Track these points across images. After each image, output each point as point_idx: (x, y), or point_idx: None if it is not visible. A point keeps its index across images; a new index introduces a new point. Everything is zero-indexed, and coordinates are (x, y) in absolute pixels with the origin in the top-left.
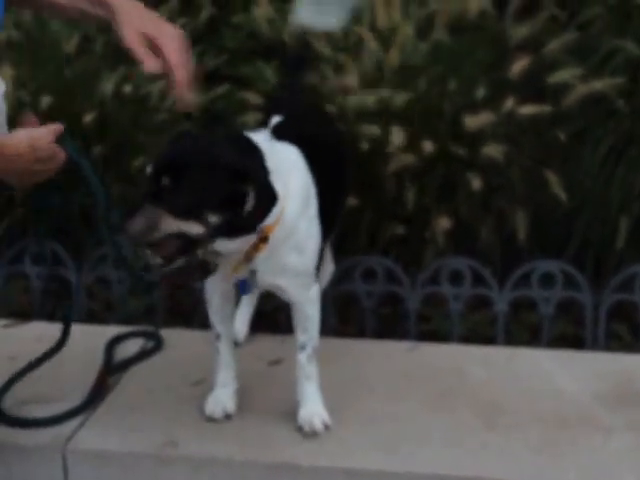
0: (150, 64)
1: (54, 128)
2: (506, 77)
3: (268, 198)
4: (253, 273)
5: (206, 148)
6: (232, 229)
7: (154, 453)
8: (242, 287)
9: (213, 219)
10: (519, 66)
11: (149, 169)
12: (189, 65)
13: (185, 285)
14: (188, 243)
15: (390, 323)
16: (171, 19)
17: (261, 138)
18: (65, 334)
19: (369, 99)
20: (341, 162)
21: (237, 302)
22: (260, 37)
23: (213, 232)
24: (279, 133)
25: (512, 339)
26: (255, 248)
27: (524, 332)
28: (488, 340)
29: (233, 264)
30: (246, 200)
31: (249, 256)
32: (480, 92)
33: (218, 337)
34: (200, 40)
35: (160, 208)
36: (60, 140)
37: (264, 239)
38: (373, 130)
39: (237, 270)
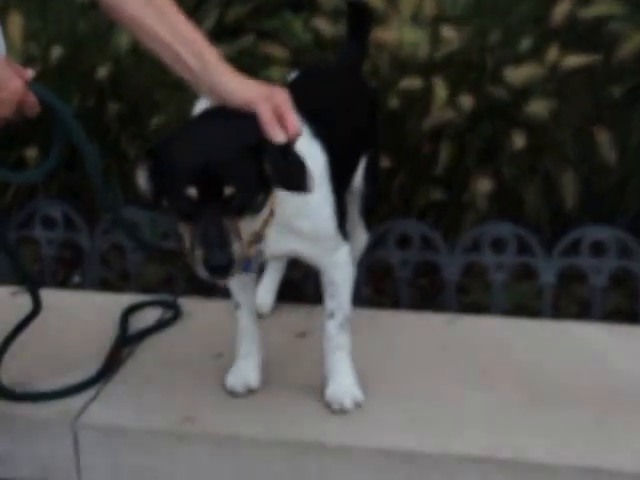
0: (280, 137)
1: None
2: (551, 27)
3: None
4: (260, 253)
5: (226, 134)
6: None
7: (171, 429)
8: (245, 265)
9: (261, 199)
10: (561, 10)
11: (190, 189)
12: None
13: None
14: None
15: (427, 295)
16: None
17: None
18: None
19: (408, 50)
20: (362, 114)
21: (262, 271)
22: None
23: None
24: (289, 90)
25: (560, 313)
26: (265, 224)
27: (573, 306)
28: (533, 314)
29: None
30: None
31: (260, 234)
32: (524, 44)
33: (238, 306)
34: None
35: (236, 217)
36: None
37: (271, 213)
38: (415, 82)
39: (250, 251)
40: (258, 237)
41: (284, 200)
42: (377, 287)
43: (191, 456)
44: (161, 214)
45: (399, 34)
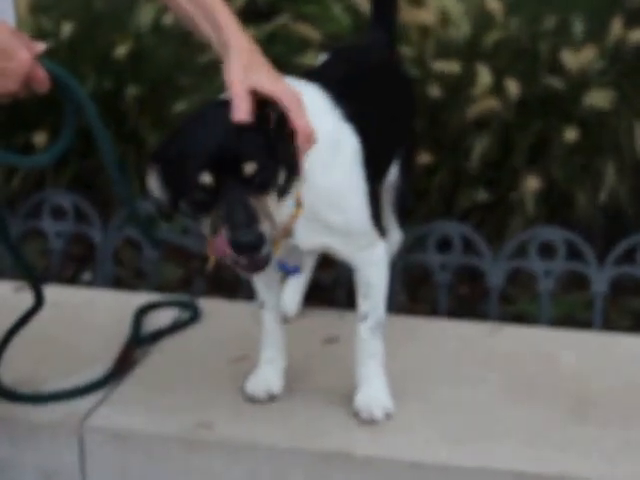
0: (240, 113)
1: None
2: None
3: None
4: (296, 249)
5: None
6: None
7: (184, 435)
8: (285, 268)
9: (282, 173)
10: None
11: (205, 176)
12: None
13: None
14: None
15: (468, 302)
16: None
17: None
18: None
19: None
20: (397, 102)
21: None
22: None
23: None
24: (320, 73)
25: (612, 325)
26: (293, 217)
27: (626, 318)
28: (583, 326)
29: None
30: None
31: (288, 228)
32: (579, 26)
33: (262, 305)
34: None
35: (257, 195)
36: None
37: (299, 204)
38: (454, 66)
39: (277, 246)
40: (287, 232)
41: (312, 190)
42: (414, 294)
43: (205, 464)
44: (182, 218)
45: (440, 13)
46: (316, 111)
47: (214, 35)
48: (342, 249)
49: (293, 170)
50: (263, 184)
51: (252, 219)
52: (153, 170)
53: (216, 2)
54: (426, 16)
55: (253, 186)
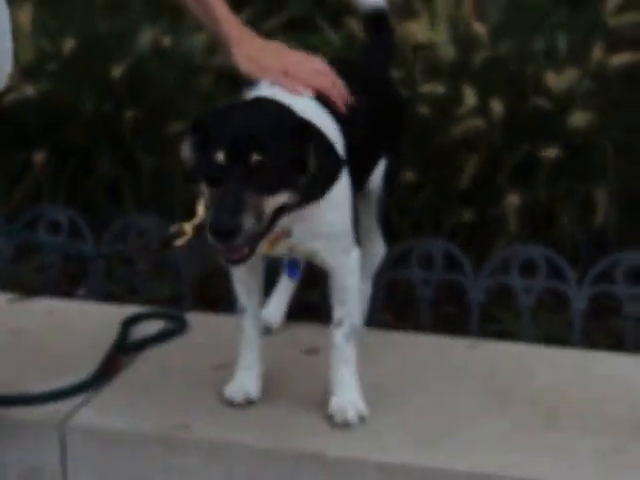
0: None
1: None
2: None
3: (335, 161)
4: (297, 249)
5: (268, 112)
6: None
7: (164, 435)
8: (290, 269)
9: (301, 181)
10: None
11: (219, 152)
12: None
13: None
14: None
15: (451, 320)
16: None
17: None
18: None
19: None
20: (384, 113)
21: (273, 285)
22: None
23: (300, 196)
24: None
25: (592, 344)
26: (294, 218)
27: (607, 337)
28: (564, 344)
29: (270, 238)
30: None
31: (288, 229)
32: (564, 47)
33: (242, 311)
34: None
35: (258, 189)
36: None
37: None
38: (439, 88)
39: (274, 245)
40: (286, 232)
41: None
42: (398, 312)
43: (183, 464)
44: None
45: (430, 33)
46: (309, 114)
47: (210, 25)
48: (326, 253)
49: (310, 198)
50: (265, 184)
51: (236, 208)
52: (188, 137)
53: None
54: (418, 28)
55: (255, 180)
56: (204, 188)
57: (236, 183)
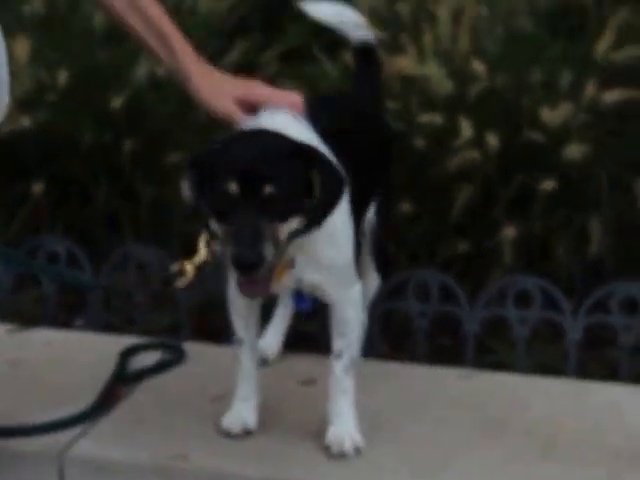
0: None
1: None
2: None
3: (338, 181)
4: (300, 281)
5: (272, 142)
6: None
7: (161, 466)
8: (298, 300)
9: (309, 206)
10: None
11: (231, 184)
12: None
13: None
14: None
15: (447, 352)
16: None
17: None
18: None
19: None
20: (376, 148)
21: (270, 315)
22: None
23: (310, 219)
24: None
25: (587, 375)
26: (298, 248)
27: (602, 368)
28: (559, 375)
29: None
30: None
31: (291, 259)
32: (561, 82)
33: (240, 343)
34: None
35: (272, 218)
36: None
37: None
38: (436, 119)
39: (279, 277)
40: (290, 262)
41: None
42: (394, 343)
43: None
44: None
45: (427, 68)
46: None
47: (167, 59)
48: (328, 286)
49: (315, 222)
50: (281, 211)
51: (256, 239)
52: (188, 174)
53: (167, 25)
54: (406, 63)
55: (270, 209)
56: (213, 224)
57: (252, 215)
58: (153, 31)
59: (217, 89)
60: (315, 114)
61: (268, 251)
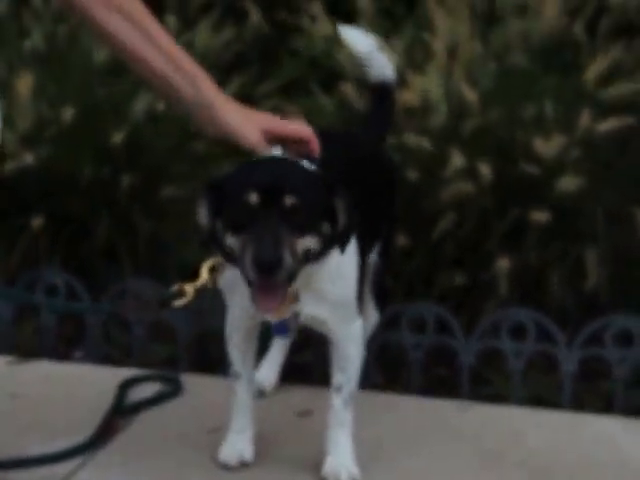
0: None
1: None
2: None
3: (355, 215)
4: (296, 315)
5: (293, 164)
6: (328, 246)
7: None
8: (278, 328)
9: (326, 230)
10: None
11: (252, 195)
12: None
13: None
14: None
15: (444, 384)
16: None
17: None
18: None
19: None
20: (381, 185)
21: (267, 348)
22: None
23: (324, 244)
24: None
25: (582, 407)
26: (304, 283)
27: (596, 400)
28: (554, 407)
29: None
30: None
31: (297, 294)
32: (552, 113)
33: (237, 376)
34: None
35: (291, 230)
36: None
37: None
38: (425, 144)
39: (283, 313)
40: (295, 296)
41: (321, 265)
42: (390, 374)
43: None
44: (215, 250)
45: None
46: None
47: (189, 90)
48: (330, 321)
49: (340, 245)
50: (299, 223)
51: (277, 243)
52: (204, 197)
53: (185, 58)
54: (409, 97)
55: (289, 221)
56: (228, 240)
57: (273, 222)
58: (171, 64)
59: (246, 119)
60: (322, 152)
61: (287, 258)
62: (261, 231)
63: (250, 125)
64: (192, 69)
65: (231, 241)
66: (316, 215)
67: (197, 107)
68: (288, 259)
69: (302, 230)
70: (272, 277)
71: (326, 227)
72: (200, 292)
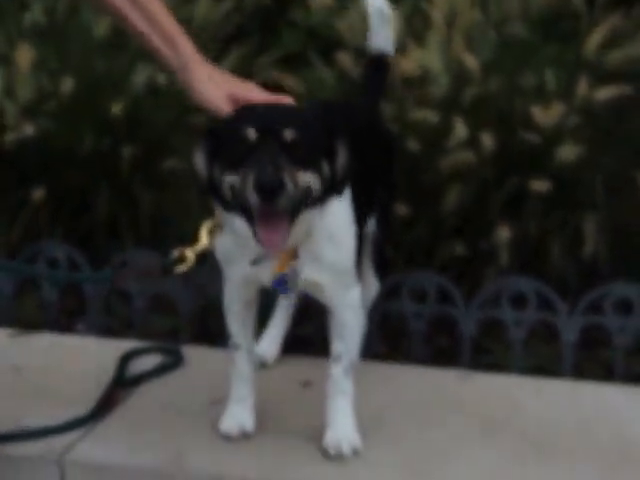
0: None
1: None
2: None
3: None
4: (295, 274)
5: (293, 107)
6: (328, 188)
7: (159, 468)
8: (278, 282)
9: (325, 169)
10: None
11: (249, 131)
12: None
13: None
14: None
15: (445, 353)
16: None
17: None
18: None
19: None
20: (378, 154)
21: (267, 320)
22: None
23: (324, 185)
24: None
25: (583, 376)
26: (301, 241)
27: (597, 369)
28: (555, 376)
29: (279, 261)
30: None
31: (296, 250)
32: (552, 83)
33: (236, 347)
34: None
35: (291, 162)
36: None
37: (308, 234)
38: (431, 116)
39: (282, 269)
40: (294, 254)
41: (318, 225)
42: (391, 344)
43: None
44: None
45: (421, 62)
46: None
47: (169, 52)
48: (329, 287)
49: (336, 187)
50: (299, 157)
51: (278, 168)
52: (201, 144)
53: (169, 20)
54: (408, 66)
55: (289, 154)
56: (226, 180)
57: (273, 153)
58: (155, 27)
59: (213, 80)
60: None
61: (288, 184)
62: (262, 160)
63: (215, 87)
64: (171, 29)
65: (230, 179)
66: (316, 152)
67: (175, 69)
68: (290, 185)
69: (303, 164)
70: (274, 203)
71: (325, 167)
72: (201, 257)
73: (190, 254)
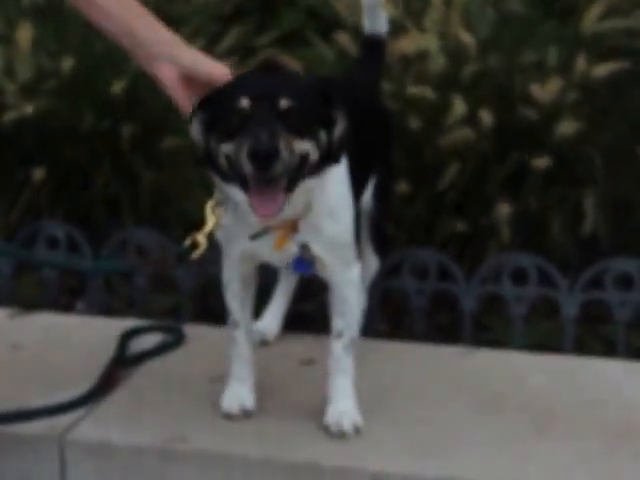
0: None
1: None
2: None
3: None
4: (305, 247)
5: (290, 73)
6: (325, 157)
7: (160, 447)
8: (299, 265)
9: (322, 137)
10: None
11: (243, 100)
12: None
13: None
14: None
15: (445, 330)
16: None
17: None
18: None
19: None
20: (374, 129)
21: (268, 297)
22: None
23: (321, 153)
24: None
25: (584, 351)
26: (302, 215)
27: (598, 344)
28: (556, 352)
29: (279, 235)
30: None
31: (296, 223)
32: (551, 59)
33: (236, 325)
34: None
35: (286, 129)
36: None
37: (308, 206)
38: (428, 92)
39: (282, 243)
40: (294, 227)
41: (318, 199)
42: (392, 321)
43: (179, 475)
44: (208, 169)
45: (418, 44)
46: None
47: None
48: (329, 262)
49: (334, 155)
50: (295, 125)
51: (273, 135)
52: (196, 114)
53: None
54: (407, 46)
55: (285, 122)
56: (222, 150)
57: (267, 121)
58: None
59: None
60: None
61: (283, 151)
62: (256, 128)
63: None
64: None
65: (226, 149)
66: (312, 119)
67: (155, 50)
68: (284, 152)
69: (299, 132)
70: (269, 170)
71: (323, 135)
72: (211, 237)
73: (202, 239)
